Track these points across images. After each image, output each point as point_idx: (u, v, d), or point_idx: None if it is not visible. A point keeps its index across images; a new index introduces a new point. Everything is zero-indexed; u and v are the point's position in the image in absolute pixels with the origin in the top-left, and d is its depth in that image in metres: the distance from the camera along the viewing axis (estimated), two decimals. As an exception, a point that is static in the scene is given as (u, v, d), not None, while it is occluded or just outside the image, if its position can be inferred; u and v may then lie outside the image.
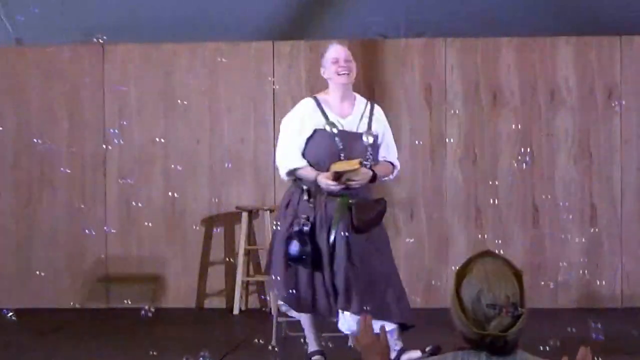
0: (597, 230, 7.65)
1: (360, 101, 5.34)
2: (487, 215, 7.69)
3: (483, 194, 7.70)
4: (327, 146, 5.16)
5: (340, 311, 5.15)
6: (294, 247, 5.09)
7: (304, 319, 5.36)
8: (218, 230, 7.82)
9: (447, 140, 7.72)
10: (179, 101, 7.81)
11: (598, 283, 7.64)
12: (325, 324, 5.50)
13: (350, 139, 5.18)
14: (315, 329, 5.35)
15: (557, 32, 7.74)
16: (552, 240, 7.66)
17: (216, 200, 7.82)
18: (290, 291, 5.13)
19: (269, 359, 5.64)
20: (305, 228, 5.09)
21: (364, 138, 5.20)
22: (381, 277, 5.16)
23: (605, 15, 7.80)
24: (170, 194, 7.83)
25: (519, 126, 7.68)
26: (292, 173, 5.23)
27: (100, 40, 6.53)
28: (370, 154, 5.19)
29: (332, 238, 5.09)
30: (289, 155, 5.21)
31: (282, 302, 5.33)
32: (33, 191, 7.91)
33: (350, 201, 5.12)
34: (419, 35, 7.90)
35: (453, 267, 7.70)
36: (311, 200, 5.16)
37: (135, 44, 7.90)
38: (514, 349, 2.54)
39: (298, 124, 5.22)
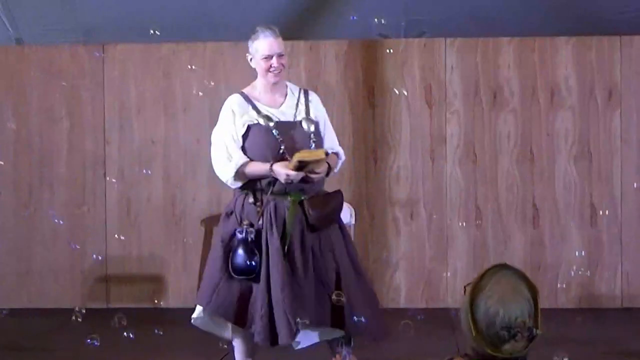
0: (597, 230, 7.65)
1: (293, 88, 4.90)
2: (487, 215, 7.69)
3: (483, 194, 7.70)
4: (265, 141, 4.67)
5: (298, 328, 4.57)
6: (239, 258, 4.60)
7: (238, 343, 4.85)
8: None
9: (447, 140, 7.72)
10: (178, 101, 7.82)
11: (598, 283, 7.65)
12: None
13: (289, 128, 4.69)
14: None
15: (557, 32, 7.74)
16: (552, 240, 7.66)
17: (216, 200, 7.83)
18: (221, 298, 4.66)
19: (269, 358, 5.63)
20: (251, 236, 4.57)
21: (304, 125, 4.70)
22: (331, 282, 4.64)
23: (605, 15, 7.80)
24: (170, 194, 7.85)
25: (519, 126, 7.69)
26: (240, 175, 4.69)
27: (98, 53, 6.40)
28: (314, 142, 4.70)
29: (286, 244, 4.58)
30: (230, 156, 4.73)
31: (210, 313, 4.78)
32: (33, 191, 7.91)
33: (302, 197, 4.65)
34: (419, 35, 7.90)
35: (453, 268, 7.70)
36: (257, 203, 4.66)
37: (135, 44, 7.90)
38: None
39: (229, 124, 4.78)
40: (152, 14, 7.92)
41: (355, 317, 4.58)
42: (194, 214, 7.83)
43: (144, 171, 7.72)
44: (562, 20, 7.82)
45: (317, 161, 4.56)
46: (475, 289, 2.51)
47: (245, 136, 4.74)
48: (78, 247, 7.61)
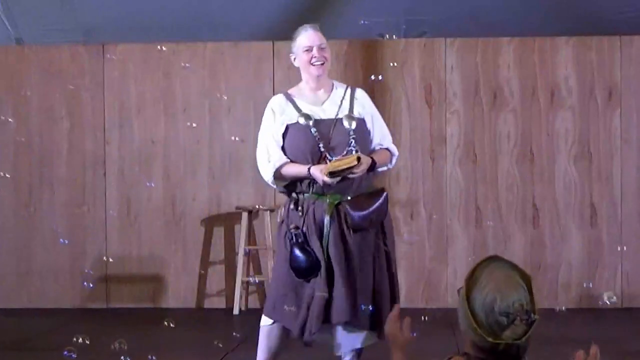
0: (597, 230, 7.65)
1: (339, 86, 4.77)
2: (487, 215, 7.69)
3: (483, 194, 7.70)
4: (303, 140, 4.57)
5: (336, 327, 4.54)
6: (298, 257, 4.50)
7: (274, 329, 4.69)
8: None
9: (447, 140, 7.72)
10: (178, 101, 7.83)
11: (598, 283, 7.65)
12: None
13: (329, 126, 4.57)
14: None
15: (557, 32, 7.74)
16: (552, 240, 7.66)
17: (216, 200, 7.83)
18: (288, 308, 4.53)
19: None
20: (300, 239, 4.48)
21: (345, 123, 4.57)
22: (367, 284, 4.58)
23: (605, 15, 7.80)
24: (170, 194, 7.85)
25: (519, 126, 7.69)
26: (279, 176, 4.60)
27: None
28: (353, 139, 4.55)
29: (325, 244, 4.50)
30: (270, 156, 4.62)
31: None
32: (33, 191, 7.91)
33: (341, 199, 4.53)
34: (419, 35, 7.90)
35: (453, 268, 7.70)
36: (299, 208, 4.57)
37: (135, 44, 7.91)
38: (523, 355, 2.52)
39: (271, 122, 4.66)
40: (152, 14, 7.93)
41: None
42: (194, 214, 7.83)
43: (148, 184, 7.72)
44: (562, 20, 7.83)
45: (350, 168, 4.42)
46: (470, 283, 2.54)
47: (284, 136, 4.62)
48: (67, 241, 7.60)
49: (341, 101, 4.67)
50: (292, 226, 4.53)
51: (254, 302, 7.78)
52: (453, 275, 7.71)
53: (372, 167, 4.57)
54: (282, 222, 4.64)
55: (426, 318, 5.68)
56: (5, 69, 7.96)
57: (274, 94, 7.69)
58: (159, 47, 7.64)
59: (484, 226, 7.69)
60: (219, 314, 7.62)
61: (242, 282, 7.57)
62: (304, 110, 4.62)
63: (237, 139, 7.62)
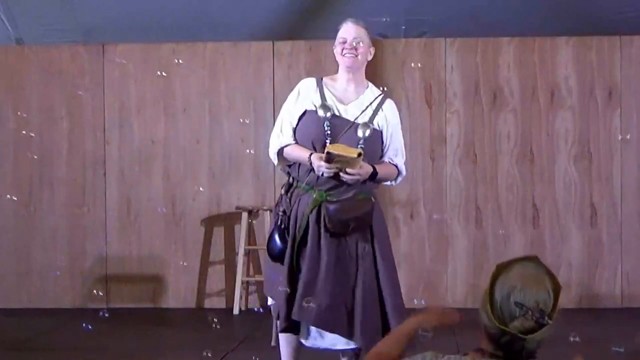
0: (597, 230, 7.65)
1: (372, 91, 4.71)
2: (487, 215, 7.69)
3: (483, 194, 7.70)
4: (314, 130, 4.53)
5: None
6: (275, 242, 4.54)
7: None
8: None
9: (447, 140, 7.72)
10: (178, 101, 7.83)
11: (598, 283, 7.65)
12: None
13: (343, 126, 4.52)
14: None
15: (557, 32, 7.74)
16: (552, 240, 7.66)
17: (216, 200, 7.83)
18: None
19: (269, 358, 5.63)
20: (283, 225, 4.52)
21: (359, 130, 4.50)
22: (345, 289, 4.50)
23: (605, 15, 7.80)
24: (170, 194, 7.85)
25: (519, 126, 7.69)
26: (282, 156, 4.60)
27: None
28: (361, 147, 4.45)
29: (298, 237, 4.49)
30: (281, 133, 4.61)
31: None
32: (33, 191, 7.91)
33: (326, 197, 4.48)
34: (419, 35, 7.90)
35: (453, 268, 7.70)
36: (288, 194, 4.57)
37: (135, 44, 7.91)
38: (529, 357, 2.51)
39: (293, 102, 4.65)
40: (152, 14, 7.93)
41: (363, 330, 4.46)
42: (194, 214, 7.83)
43: (147, 180, 7.72)
44: (562, 20, 7.82)
45: (348, 160, 4.34)
46: (501, 268, 2.55)
47: (301, 118, 4.60)
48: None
49: (367, 107, 4.62)
50: (280, 209, 4.56)
51: (254, 302, 7.78)
52: (453, 275, 7.71)
53: (373, 176, 4.51)
54: (277, 203, 4.68)
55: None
56: (5, 69, 7.95)
57: (274, 94, 7.78)
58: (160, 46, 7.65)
59: (484, 226, 7.70)
60: (219, 314, 7.62)
61: (242, 282, 7.57)
62: (328, 101, 4.59)
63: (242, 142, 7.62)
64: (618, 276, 7.64)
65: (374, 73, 7.75)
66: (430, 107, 7.75)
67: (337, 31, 4.70)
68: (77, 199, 7.88)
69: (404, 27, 7.95)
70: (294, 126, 4.59)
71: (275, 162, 4.67)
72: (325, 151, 4.34)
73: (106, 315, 6.30)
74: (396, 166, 4.66)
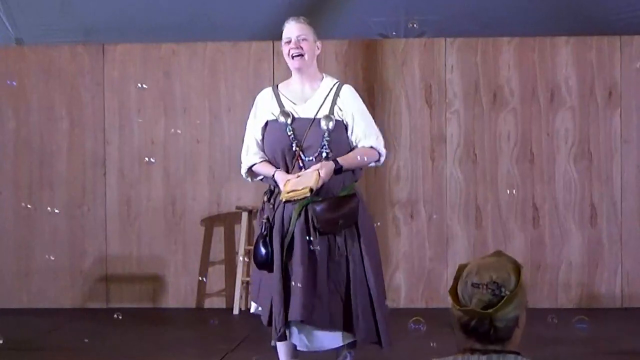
0: (597, 230, 7.65)
1: (328, 82, 4.71)
2: (487, 215, 7.69)
3: (483, 194, 7.70)
4: (278, 138, 4.59)
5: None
6: (259, 250, 4.55)
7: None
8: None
9: (447, 140, 7.72)
10: (179, 101, 7.83)
11: (598, 283, 7.65)
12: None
13: (305, 126, 4.55)
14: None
15: (557, 32, 7.74)
16: (552, 240, 7.66)
17: (216, 200, 7.83)
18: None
19: (269, 359, 5.63)
20: (265, 232, 4.54)
21: (322, 123, 4.54)
22: (339, 285, 4.55)
23: (605, 15, 7.80)
24: (170, 194, 7.85)
25: (519, 126, 7.69)
26: (252, 173, 4.76)
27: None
28: (327, 141, 4.52)
29: (287, 241, 4.51)
30: (247, 152, 4.76)
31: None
32: (33, 191, 7.91)
33: (312, 199, 4.48)
34: (419, 35, 7.90)
35: (453, 268, 7.70)
36: (271, 201, 4.62)
37: (135, 44, 7.91)
38: (504, 340, 2.50)
39: (253, 117, 4.74)
40: (152, 14, 7.93)
41: (361, 324, 4.52)
42: (194, 214, 7.83)
43: (147, 159, 7.70)
44: (562, 20, 7.82)
45: (302, 198, 4.42)
46: (462, 267, 2.60)
47: (264, 131, 4.69)
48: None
49: (324, 99, 4.63)
50: (264, 217, 4.59)
51: (254, 302, 7.77)
52: (453, 275, 7.68)
53: (339, 170, 4.53)
54: (258, 211, 4.75)
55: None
56: (5, 69, 7.96)
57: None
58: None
59: (484, 226, 7.70)
60: (219, 314, 7.62)
61: (242, 282, 7.57)
62: (286, 107, 4.63)
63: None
64: (618, 276, 7.64)
65: (374, 73, 7.76)
66: (430, 107, 7.75)
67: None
68: (77, 198, 7.88)
69: (404, 27, 7.95)
70: (260, 141, 4.69)
71: (249, 180, 4.81)
72: (283, 200, 4.46)
73: (120, 317, 6.30)
74: (372, 147, 4.65)
